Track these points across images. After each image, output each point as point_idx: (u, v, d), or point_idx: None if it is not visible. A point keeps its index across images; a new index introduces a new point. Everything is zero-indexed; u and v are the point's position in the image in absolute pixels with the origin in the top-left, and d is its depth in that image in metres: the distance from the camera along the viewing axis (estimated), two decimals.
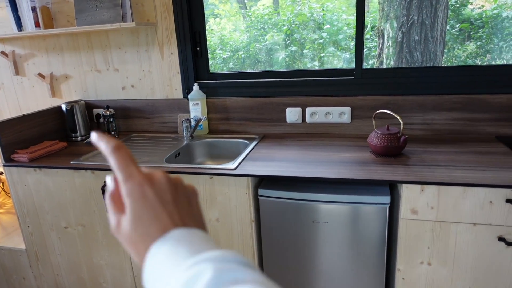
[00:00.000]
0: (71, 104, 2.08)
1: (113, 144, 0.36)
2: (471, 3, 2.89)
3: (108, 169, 1.60)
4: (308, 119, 1.92)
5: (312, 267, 1.53)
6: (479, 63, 2.86)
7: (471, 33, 2.88)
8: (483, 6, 2.84)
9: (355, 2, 1.75)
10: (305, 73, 1.96)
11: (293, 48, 3.13)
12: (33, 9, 2.00)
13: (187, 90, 2.05)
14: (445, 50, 2.81)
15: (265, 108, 1.97)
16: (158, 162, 1.63)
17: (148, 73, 2.09)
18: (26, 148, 1.82)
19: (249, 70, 2.90)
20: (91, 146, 1.94)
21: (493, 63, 2.83)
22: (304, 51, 3.12)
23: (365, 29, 1.81)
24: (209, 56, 2.06)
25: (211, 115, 2.06)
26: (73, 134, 2.09)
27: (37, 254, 1.90)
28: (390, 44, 2.79)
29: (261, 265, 1.63)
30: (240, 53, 3.30)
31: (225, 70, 3.22)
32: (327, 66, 3.08)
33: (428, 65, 2.66)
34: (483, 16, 2.83)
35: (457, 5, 2.93)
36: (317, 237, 1.47)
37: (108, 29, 1.91)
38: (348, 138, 1.83)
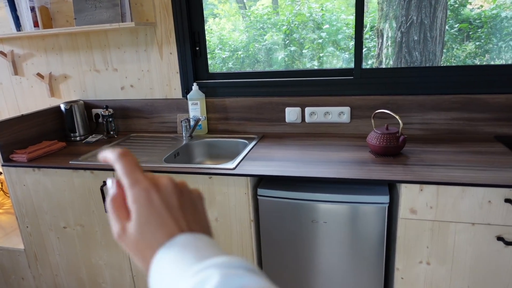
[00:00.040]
0: (70, 104, 2.08)
1: (119, 151, 0.37)
2: (470, 3, 2.89)
3: (107, 169, 1.60)
4: (307, 119, 1.92)
5: (311, 267, 1.53)
6: (478, 63, 2.86)
7: (470, 33, 2.89)
8: (482, 6, 2.84)
9: (354, 2, 1.76)
10: (304, 73, 1.96)
11: (292, 48, 3.13)
12: (32, 9, 2.00)
13: (186, 90, 2.05)
14: (444, 50, 2.81)
15: (264, 108, 1.97)
16: (157, 162, 1.63)
17: (147, 73, 2.09)
18: (25, 148, 1.82)
19: (248, 70, 2.90)
20: (90, 146, 1.94)
21: (492, 63, 2.83)
22: (303, 51, 3.12)
23: (364, 29, 1.81)
24: (208, 56, 2.06)
25: (210, 115, 2.06)
26: (72, 134, 2.09)
27: (36, 254, 1.90)
28: (389, 44, 2.79)
29: (260, 265, 1.63)
30: (239, 53, 3.30)
31: (224, 70, 3.22)
32: (326, 66, 3.08)
33: (427, 65, 2.66)
34: (482, 16, 2.83)
35: (456, 5, 2.93)
36: (316, 236, 1.47)
37: (107, 29, 1.91)
38: (347, 138, 1.83)
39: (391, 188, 1.47)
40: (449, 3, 2.79)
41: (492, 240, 1.27)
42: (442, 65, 2.73)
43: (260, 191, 1.50)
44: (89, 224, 1.74)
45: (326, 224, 1.45)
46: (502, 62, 2.80)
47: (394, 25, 2.72)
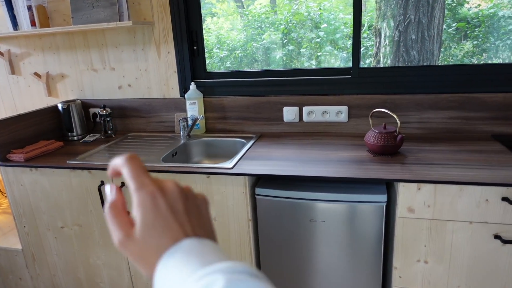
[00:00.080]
0: (67, 103, 2.08)
1: (127, 155, 0.37)
2: (468, 2, 2.89)
3: (105, 169, 1.60)
4: (305, 118, 1.92)
5: (309, 266, 1.53)
6: (476, 62, 2.86)
7: (468, 32, 2.89)
8: (479, 5, 2.85)
9: (352, 1, 1.76)
10: (302, 72, 1.96)
11: (290, 47, 3.13)
12: (29, 8, 1.99)
13: (184, 89, 2.05)
14: (442, 49, 2.82)
15: (262, 107, 1.97)
16: (154, 161, 1.63)
17: (145, 72, 2.09)
18: (22, 148, 1.81)
19: (246, 69, 2.90)
20: (87, 146, 1.94)
21: (490, 62, 2.84)
22: (301, 50, 3.12)
23: (362, 28, 1.81)
24: (206, 55, 2.06)
25: (208, 114, 2.06)
26: (69, 134, 2.08)
27: (33, 254, 1.89)
28: (387, 43, 2.79)
29: (258, 264, 1.63)
30: (237, 52, 3.29)
31: (222, 69, 3.22)
32: (324, 65, 3.08)
33: (425, 64, 2.67)
34: (480, 15, 2.83)
35: (454, 4, 2.94)
36: (314, 235, 1.48)
37: (105, 28, 1.90)
38: (345, 137, 1.83)
39: (389, 187, 1.47)
40: (446, 2, 2.80)
41: (490, 239, 1.28)
42: (439, 64, 2.73)
43: (258, 191, 1.50)
44: (87, 224, 1.73)
45: (324, 223, 1.45)
46: (500, 61, 2.80)
47: (392, 24, 2.73)
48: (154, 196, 0.35)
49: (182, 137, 1.95)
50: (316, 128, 1.93)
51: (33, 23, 2.02)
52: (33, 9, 2.01)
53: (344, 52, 3.01)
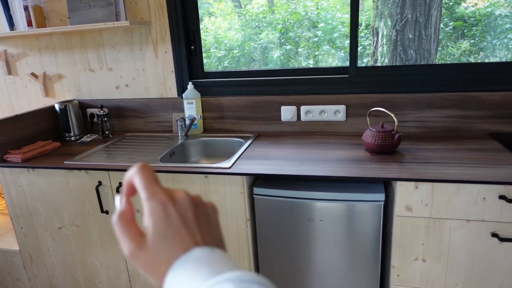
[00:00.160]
0: (64, 103, 2.07)
1: (139, 164, 0.37)
2: (465, 1, 2.90)
3: (103, 169, 1.59)
4: (303, 117, 1.92)
5: (307, 265, 1.53)
6: (473, 61, 2.87)
7: (465, 31, 2.90)
8: (476, 4, 2.86)
9: (349, 0, 1.76)
10: (300, 71, 1.96)
11: (288, 47, 3.13)
12: (25, 8, 1.99)
13: (181, 89, 2.04)
14: (439, 48, 2.83)
15: (260, 107, 1.97)
16: (152, 161, 1.62)
17: (142, 72, 2.08)
18: (19, 149, 1.80)
19: (244, 68, 2.90)
20: (85, 146, 1.93)
21: (487, 60, 2.84)
22: (299, 50, 3.12)
23: (359, 27, 1.81)
24: (204, 55, 2.06)
25: (206, 114, 2.05)
26: (66, 134, 2.08)
27: (31, 255, 1.88)
28: (385, 42, 2.79)
29: (257, 264, 1.63)
30: (235, 51, 3.29)
31: (219, 69, 3.22)
32: (322, 65, 3.08)
33: (422, 63, 2.67)
34: (477, 14, 2.84)
35: (451, 3, 2.94)
36: (312, 235, 1.48)
37: (102, 28, 1.90)
38: (342, 136, 1.83)
39: (386, 186, 1.48)
40: (443, 1, 2.80)
41: (487, 237, 1.28)
42: (437, 63, 2.73)
43: (256, 190, 1.49)
44: (84, 225, 1.73)
45: (322, 222, 1.45)
46: (497, 60, 2.81)
47: (389, 23, 2.73)
48: (165, 205, 0.35)
49: (180, 137, 1.94)
50: (314, 128, 1.93)
51: (29, 23, 2.01)
52: (30, 9, 2.00)
53: (342, 51, 3.01)
